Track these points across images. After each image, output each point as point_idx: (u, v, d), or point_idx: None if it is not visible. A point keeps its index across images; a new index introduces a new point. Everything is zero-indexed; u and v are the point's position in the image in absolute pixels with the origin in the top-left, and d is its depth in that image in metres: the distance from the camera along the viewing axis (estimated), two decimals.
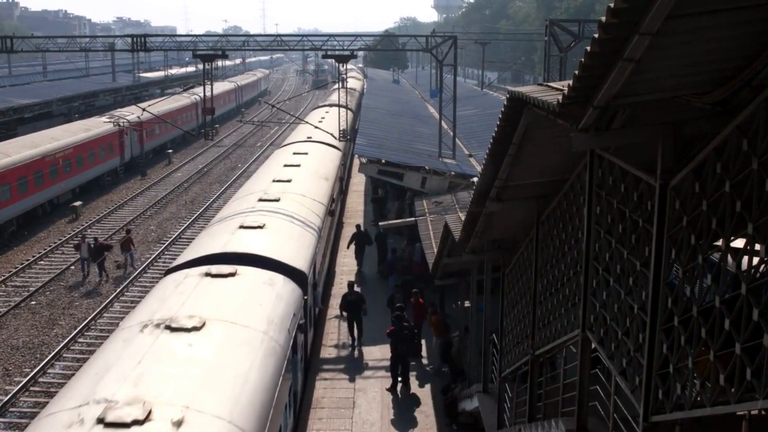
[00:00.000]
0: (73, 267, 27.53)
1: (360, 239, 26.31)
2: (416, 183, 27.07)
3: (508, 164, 8.74)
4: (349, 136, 36.26)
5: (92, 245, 26.81)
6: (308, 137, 32.30)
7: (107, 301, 24.08)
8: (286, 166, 24.77)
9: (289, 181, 22.01)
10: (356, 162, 41.28)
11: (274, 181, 22.08)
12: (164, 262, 27.61)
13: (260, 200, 19.43)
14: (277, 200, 19.37)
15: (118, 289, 25.16)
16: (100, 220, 35.00)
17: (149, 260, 28.32)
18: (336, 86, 61.59)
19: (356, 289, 21.53)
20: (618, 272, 6.69)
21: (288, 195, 20.28)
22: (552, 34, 31.96)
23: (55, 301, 24.36)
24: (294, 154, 27.53)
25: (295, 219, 18.47)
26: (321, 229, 19.55)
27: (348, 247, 26.85)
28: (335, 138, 32.61)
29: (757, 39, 4.41)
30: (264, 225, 16.65)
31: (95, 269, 26.74)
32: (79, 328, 21.81)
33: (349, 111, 42.72)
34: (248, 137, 63.83)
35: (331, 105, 48.65)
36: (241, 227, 16.45)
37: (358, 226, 27.37)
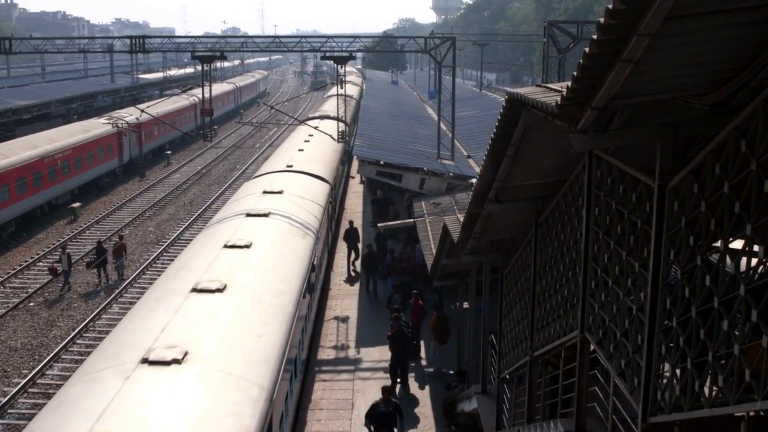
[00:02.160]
0: (71, 269, 27.45)
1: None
2: (415, 184, 27.07)
3: (507, 165, 8.73)
4: (346, 138, 33.87)
5: (71, 255, 26.49)
6: (288, 166, 25.30)
7: (106, 302, 24.07)
8: (249, 215, 17.52)
9: (248, 246, 14.66)
10: (353, 177, 39.46)
11: (226, 246, 14.60)
12: (163, 263, 27.61)
13: (195, 290, 11.76)
14: (221, 290, 11.80)
15: (116, 291, 25.14)
16: (99, 221, 34.97)
17: (148, 261, 28.30)
18: (331, 92, 59.75)
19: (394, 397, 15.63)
20: (617, 273, 6.69)
21: (241, 276, 12.95)
22: (550, 36, 31.96)
23: (54, 303, 24.34)
24: (264, 193, 20.49)
25: (246, 329, 10.98)
26: (288, 341, 11.76)
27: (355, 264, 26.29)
28: (334, 141, 31.07)
29: (756, 40, 4.41)
30: (185, 355, 9.32)
31: (99, 272, 26.71)
32: (77, 330, 21.80)
33: (344, 124, 36.94)
34: (247, 138, 63.85)
35: (322, 117, 42.12)
36: (146, 362, 9.13)
37: (351, 222, 27.97)
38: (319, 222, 20.01)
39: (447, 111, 33.89)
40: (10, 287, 25.76)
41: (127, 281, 26.04)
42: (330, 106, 47.73)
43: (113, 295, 24.68)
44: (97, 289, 25.81)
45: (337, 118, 34.96)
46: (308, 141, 31.16)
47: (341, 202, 35.34)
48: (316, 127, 34.18)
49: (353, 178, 43.01)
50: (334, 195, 27.92)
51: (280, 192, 20.63)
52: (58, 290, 25.49)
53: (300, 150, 29.16)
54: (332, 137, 32.07)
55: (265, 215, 17.51)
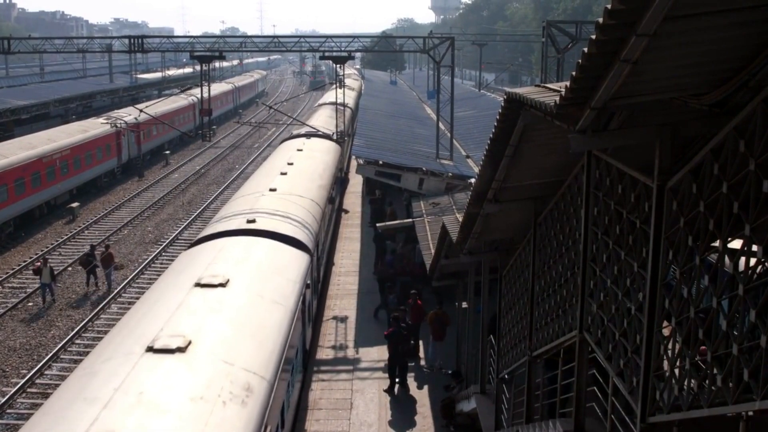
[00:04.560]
0: (70, 269, 27.44)
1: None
2: (414, 184, 27.06)
3: (506, 165, 8.74)
4: (342, 165, 30.49)
5: (53, 269, 24.67)
6: (249, 221, 16.96)
7: (104, 302, 24.06)
8: (155, 351, 9.30)
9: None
10: (347, 210, 35.71)
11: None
12: (162, 263, 27.61)
13: None
14: None
15: (115, 291, 25.12)
16: (98, 221, 34.95)
17: (147, 261, 28.28)
18: (323, 99, 57.06)
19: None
20: (615, 273, 6.69)
21: None
22: (549, 36, 31.97)
23: (52, 303, 24.30)
24: (197, 287, 11.84)
25: None
26: None
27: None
28: (321, 171, 25.83)
29: (755, 40, 4.41)
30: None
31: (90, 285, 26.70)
32: (76, 330, 21.79)
33: (335, 143, 32.56)
34: (246, 138, 63.86)
35: (309, 135, 33.58)
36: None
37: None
38: (278, 362, 10.77)
39: (446, 111, 33.89)
40: (8, 287, 25.73)
41: (125, 282, 26.01)
42: (320, 120, 41.13)
43: (112, 295, 24.66)
44: (87, 295, 25.23)
45: (335, 139, 31.67)
46: (285, 174, 23.39)
47: (329, 261, 25.68)
48: (300, 150, 28.69)
49: (347, 212, 35.75)
50: (316, 266, 19.03)
51: (223, 284, 11.93)
52: (41, 304, 24.07)
53: (272, 190, 20.74)
54: (321, 161, 27.69)
55: (181, 350, 9.27)
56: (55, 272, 24.99)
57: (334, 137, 32.63)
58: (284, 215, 18.56)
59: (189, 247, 16.51)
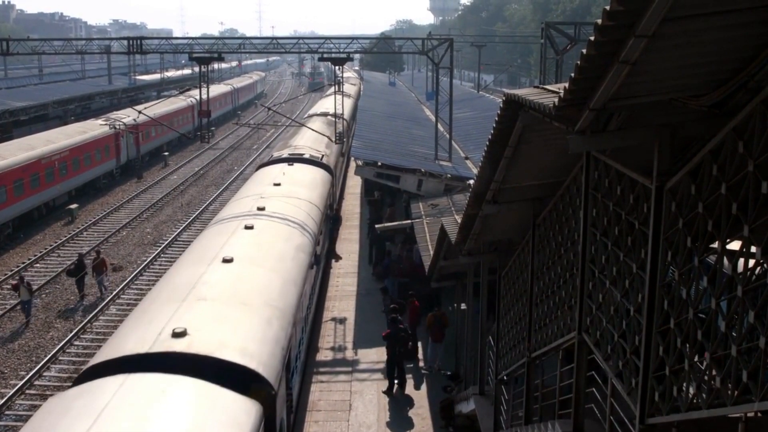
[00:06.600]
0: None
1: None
2: (412, 185, 27.06)
3: (505, 166, 8.74)
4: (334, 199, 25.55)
5: (31, 284, 23.49)
6: (174, 334, 9.70)
7: (104, 303, 24.04)
8: None
9: None
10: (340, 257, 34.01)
11: None
12: (161, 265, 27.59)
13: None
14: None
15: (114, 293, 25.09)
16: (96, 222, 34.93)
17: (146, 263, 28.26)
18: (314, 109, 54.02)
19: None
20: (614, 274, 6.69)
21: None
22: (548, 37, 32.01)
23: (51, 304, 24.28)
24: None
25: None
26: None
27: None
28: (304, 222, 18.52)
29: (753, 41, 4.41)
30: None
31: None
32: (75, 331, 21.75)
33: (325, 171, 27.45)
34: (244, 140, 63.83)
35: (292, 159, 27.17)
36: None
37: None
38: None
39: (444, 112, 33.90)
40: (7, 288, 25.69)
41: (124, 283, 25.98)
42: (308, 136, 33.48)
43: (111, 296, 24.63)
44: (84, 298, 24.89)
45: (325, 164, 27.90)
46: (252, 228, 16.18)
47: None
48: (277, 184, 21.86)
49: (339, 258, 28.10)
50: (284, 403, 11.19)
51: None
52: (21, 324, 22.60)
53: (226, 260, 13.32)
54: (305, 201, 20.92)
55: None
56: (34, 288, 23.79)
57: (324, 159, 29.20)
58: (237, 306, 11.51)
59: (74, 383, 9.34)
